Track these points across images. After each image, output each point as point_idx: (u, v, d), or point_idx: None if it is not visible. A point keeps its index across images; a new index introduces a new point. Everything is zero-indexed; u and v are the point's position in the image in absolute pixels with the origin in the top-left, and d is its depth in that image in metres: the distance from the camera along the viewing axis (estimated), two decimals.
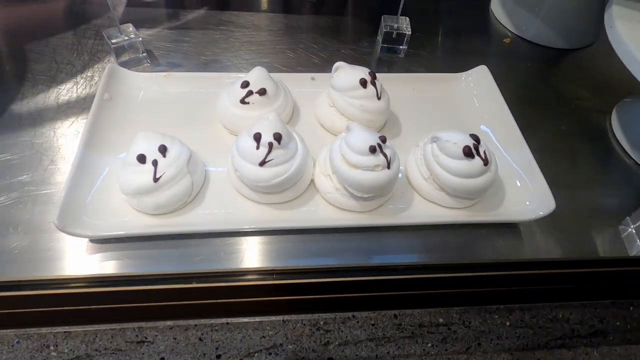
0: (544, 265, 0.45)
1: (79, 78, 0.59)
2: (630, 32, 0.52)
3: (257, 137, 0.44)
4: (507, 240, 0.48)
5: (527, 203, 0.49)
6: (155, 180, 0.43)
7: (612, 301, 0.48)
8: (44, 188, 0.48)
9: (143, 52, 0.61)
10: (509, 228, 0.49)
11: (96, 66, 0.61)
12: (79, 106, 0.56)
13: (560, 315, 0.47)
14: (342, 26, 0.75)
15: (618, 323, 0.48)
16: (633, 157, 0.59)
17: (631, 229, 0.49)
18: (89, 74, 0.60)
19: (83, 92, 0.57)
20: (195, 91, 0.57)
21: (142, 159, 0.44)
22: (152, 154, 0.44)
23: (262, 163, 0.44)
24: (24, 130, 0.53)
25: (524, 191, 0.50)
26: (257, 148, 0.44)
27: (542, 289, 0.46)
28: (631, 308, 0.48)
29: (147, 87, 0.56)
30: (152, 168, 0.44)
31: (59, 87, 0.58)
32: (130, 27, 0.60)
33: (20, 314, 0.38)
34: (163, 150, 0.45)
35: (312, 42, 0.70)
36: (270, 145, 0.44)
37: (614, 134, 0.62)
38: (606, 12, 0.55)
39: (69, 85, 0.58)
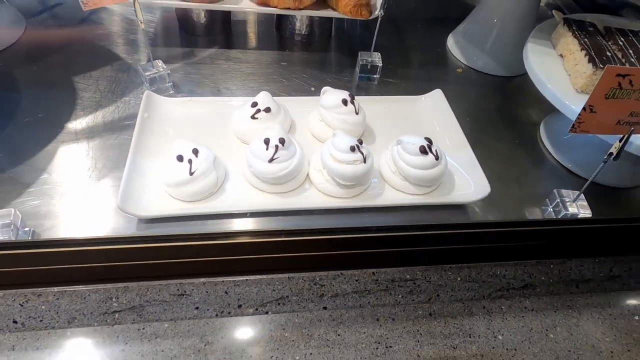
0: (484, 234, 0.60)
1: (118, 102, 0.74)
2: (541, 64, 0.69)
3: (267, 141, 0.60)
4: (456, 217, 0.63)
5: (471, 189, 0.65)
6: (191, 174, 0.58)
7: (537, 260, 0.63)
8: (101, 184, 0.62)
9: (169, 82, 0.77)
10: (458, 208, 0.64)
11: (132, 93, 0.76)
12: (121, 124, 0.71)
13: (499, 272, 0.62)
14: (326, 60, 0.92)
15: (543, 278, 0.63)
16: (556, 158, 0.76)
17: (550, 209, 0.65)
18: (126, 99, 0.75)
19: (123, 114, 0.72)
20: (213, 111, 0.73)
21: (180, 158, 0.58)
22: (187, 155, 0.59)
23: (271, 160, 0.59)
24: (80, 143, 0.67)
25: (467, 181, 0.66)
26: (267, 149, 0.59)
27: (483, 251, 0.61)
28: (552, 266, 0.63)
29: (175, 108, 0.72)
30: (188, 165, 0.58)
31: (104, 109, 0.73)
32: (159, 62, 0.76)
33: (90, 269, 0.51)
34: (195, 152, 0.59)
35: (302, 73, 0.87)
36: (277, 147, 0.59)
37: (542, 141, 0.79)
38: (524, 47, 0.73)
39: (111, 108, 0.73)
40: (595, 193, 0.70)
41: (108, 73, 0.80)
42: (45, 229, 0.56)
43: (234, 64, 0.86)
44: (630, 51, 0.65)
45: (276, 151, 0.59)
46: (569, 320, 0.59)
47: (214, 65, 0.85)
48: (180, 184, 0.58)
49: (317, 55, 0.92)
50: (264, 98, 0.68)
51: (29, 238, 0.54)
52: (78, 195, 0.61)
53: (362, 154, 0.59)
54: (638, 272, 0.65)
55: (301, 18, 0.90)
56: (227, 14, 0.93)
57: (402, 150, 0.62)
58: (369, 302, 0.58)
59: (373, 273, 0.59)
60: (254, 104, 0.67)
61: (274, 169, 0.59)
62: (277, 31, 0.96)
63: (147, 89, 0.75)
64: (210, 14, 0.88)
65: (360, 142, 0.61)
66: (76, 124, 0.70)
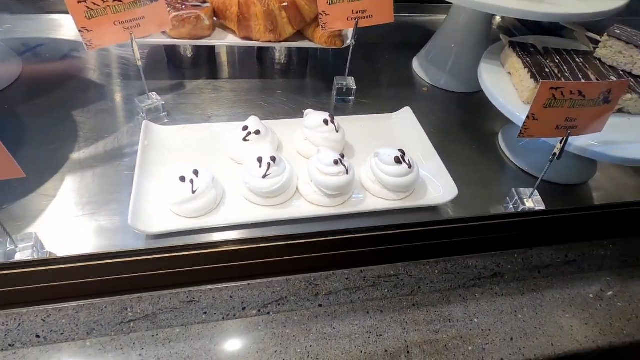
0: (455, 230, 0.68)
1: (118, 133, 0.80)
2: (493, 81, 0.80)
3: (260, 160, 0.67)
4: (430, 217, 0.71)
5: (441, 192, 0.74)
6: (193, 192, 0.64)
7: (503, 251, 0.71)
8: (109, 206, 0.68)
9: (164, 112, 0.84)
10: (432, 210, 0.73)
11: (129, 124, 0.83)
12: (122, 152, 0.77)
13: (471, 264, 0.70)
14: (305, 85, 1.01)
15: (509, 266, 0.71)
16: (513, 161, 0.86)
17: (510, 205, 0.75)
18: (124, 129, 0.81)
19: (123, 142, 0.79)
20: (206, 136, 0.80)
21: (182, 179, 0.65)
22: (188, 175, 0.66)
23: (265, 176, 0.66)
24: (85, 172, 0.73)
25: (438, 186, 0.75)
26: (260, 167, 0.67)
27: (456, 245, 0.69)
28: (516, 255, 0.72)
29: (172, 135, 0.78)
30: (190, 185, 0.65)
31: (105, 140, 0.79)
32: (154, 94, 0.83)
33: (105, 283, 0.57)
34: (196, 173, 0.66)
35: (284, 98, 0.95)
36: (269, 164, 0.67)
37: (500, 147, 0.89)
38: (479, 67, 0.84)
39: (112, 137, 0.79)
40: (549, 190, 0.80)
41: (105, 106, 0.86)
42: (61, 248, 0.61)
43: (221, 92, 0.94)
44: (565, 67, 0.76)
45: (269, 168, 0.66)
46: (534, 301, 0.68)
47: (202, 95, 0.93)
48: (184, 202, 0.64)
49: (297, 81, 1.01)
50: (253, 122, 0.76)
51: (48, 257, 0.59)
52: (88, 217, 0.66)
53: (344, 166, 0.67)
54: (590, 256, 0.74)
55: (280, 49, 0.99)
56: (211, 48, 1.01)
57: (379, 161, 0.71)
58: (359, 298, 0.65)
59: (361, 271, 0.67)
60: (245, 128, 0.75)
61: (268, 183, 0.66)
62: (258, 61, 1.05)
63: (144, 119, 0.81)
64: (197, 48, 0.96)
65: (342, 157, 0.69)
66: (80, 154, 0.76)
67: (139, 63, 0.75)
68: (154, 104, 0.82)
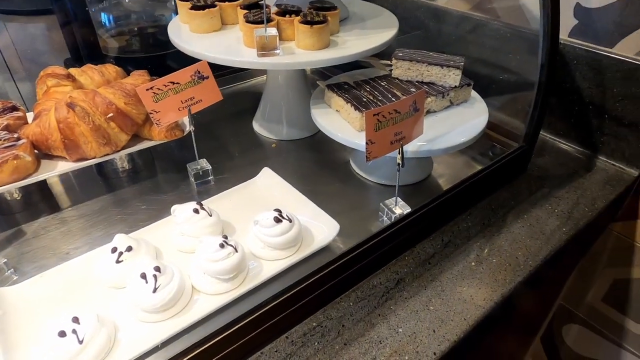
0: (351, 259, 0.73)
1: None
2: (326, 121, 0.90)
3: (144, 275, 0.63)
4: (326, 257, 0.75)
5: (326, 232, 0.79)
6: (80, 342, 0.57)
7: (396, 259, 0.79)
8: None
9: (8, 270, 0.73)
10: (325, 251, 0.77)
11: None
12: None
13: (376, 282, 0.76)
14: (159, 183, 0.98)
15: (405, 269, 0.79)
16: (370, 180, 0.97)
17: (384, 217, 0.84)
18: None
19: None
20: (71, 276, 0.71)
21: (62, 333, 0.57)
22: (68, 327, 0.58)
23: (155, 290, 0.62)
24: None
25: (321, 227, 0.79)
26: (147, 282, 0.63)
27: (357, 271, 0.74)
28: (406, 257, 0.80)
29: (29, 291, 0.68)
30: (74, 335, 0.57)
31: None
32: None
33: None
34: (76, 320, 0.59)
35: (142, 203, 0.91)
36: (155, 276, 0.63)
37: (355, 172, 1.00)
38: (311, 112, 0.94)
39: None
40: (407, 192, 0.92)
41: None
42: None
43: (70, 223, 0.86)
44: (376, 92, 0.90)
45: (156, 280, 0.63)
46: (436, 290, 0.76)
47: (49, 233, 0.83)
48: (73, 357, 0.56)
49: (149, 182, 0.98)
50: (120, 239, 0.71)
51: None
52: None
53: (232, 246, 0.68)
54: (458, 232, 0.87)
55: (121, 157, 0.96)
56: (42, 181, 0.92)
57: (261, 227, 0.73)
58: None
59: (286, 337, 0.67)
60: (114, 249, 0.69)
61: (161, 295, 0.62)
62: (100, 176, 0.99)
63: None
64: (24, 187, 0.87)
65: (226, 237, 0.69)
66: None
67: None
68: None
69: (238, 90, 1.41)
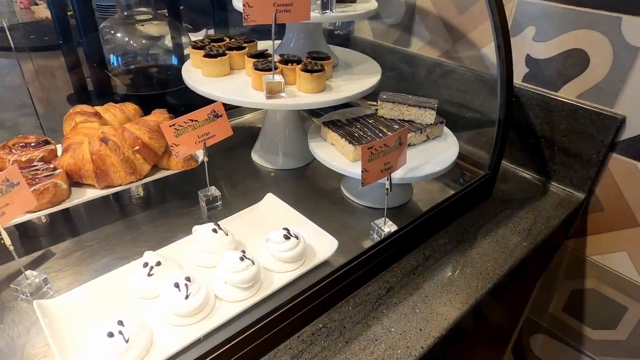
0: (349, 269, 0.86)
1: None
2: (324, 153, 1.04)
3: (177, 285, 0.74)
4: (326, 269, 0.88)
5: (327, 248, 0.91)
6: (126, 341, 0.67)
7: (386, 270, 0.93)
8: None
9: (46, 285, 0.82)
10: (325, 264, 0.90)
11: (10, 311, 0.78)
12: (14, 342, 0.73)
13: (370, 290, 0.89)
14: (171, 209, 1.08)
15: (394, 279, 0.92)
16: (361, 204, 1.11)
17: (375, 235, 0.97)
18: (9, 318, 0.76)
19: (13, 333, 0.74)
20: (106, 289, 0.81)
21: (110, 334, 0.67)
22: (115, 328, 0.68)
23: (187, 297, 0.73)
24: None
25: (322, 243, 0.92)
26: (180, 290, 0.73)
27: (354, 281, 0.87)
28: (395, 269, 0.93)
29: (71, 301, 0.77)
30: (121, 336, 0.67)
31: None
32: (29, 272, 0.81)
33: None
34: (121, 323, 0.69)
35: (157, 224, 1.01)
36: (186, 285, 0.74)
37: (346, 197, 1.13)
38: (308, 145, 1.08)
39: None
40: (392, 214, 1.06)
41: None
42: None
43: (93, 245, 0.95)
44: (366, 129, 1.06)
45: (187, 288, 0.74)
46: (421, 296, 0.89)
47: (75, 253, 0.92)
48: (120, 355, 0.66)
49: (162, 207, 1.08)
50: (149, 256, 0.81)
51: None
52: None
53: (249, 259, 0.80)
54: (437, 248, 1.01)
55: (137, 186, 1.06)
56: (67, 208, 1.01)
57: (273, 243, 0.85)
58: (306, 359, 0.76)
59: (298, 336, 0.78)
60: (145, 264, 0.80)
61: (193, 300, 0.73)
62: (116, 202, 1.09)
63: (28, 299, 0.78)
64: (52, 213, 0.96)
65: (244, 252, 0.81)
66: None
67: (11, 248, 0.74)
68: (34, 280, 0.80)
69: (234, 125, 1.54)
